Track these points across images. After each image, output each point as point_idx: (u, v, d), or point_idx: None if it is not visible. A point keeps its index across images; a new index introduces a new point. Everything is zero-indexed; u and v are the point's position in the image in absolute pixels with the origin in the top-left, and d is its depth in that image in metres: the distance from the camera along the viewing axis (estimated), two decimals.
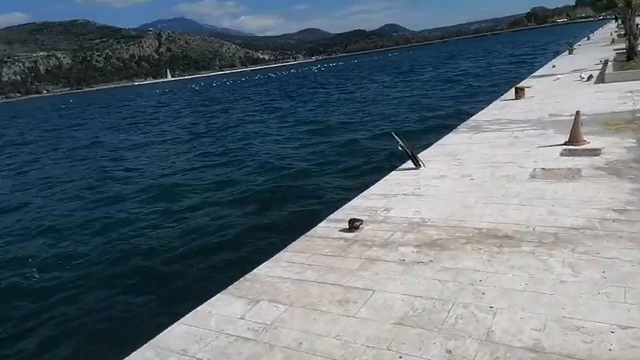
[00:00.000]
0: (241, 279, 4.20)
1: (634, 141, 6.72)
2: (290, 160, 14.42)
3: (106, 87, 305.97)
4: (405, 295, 3.52)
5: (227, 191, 11.59)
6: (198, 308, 3.80)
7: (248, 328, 3.37)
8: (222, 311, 3.67)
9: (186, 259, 7.35)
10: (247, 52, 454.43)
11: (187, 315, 3.72)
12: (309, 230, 5.19)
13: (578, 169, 5.90)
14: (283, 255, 4.61)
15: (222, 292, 4.01)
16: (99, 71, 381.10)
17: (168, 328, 3.57)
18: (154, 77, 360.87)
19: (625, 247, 3.73)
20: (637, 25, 16.25)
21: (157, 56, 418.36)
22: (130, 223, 9.95)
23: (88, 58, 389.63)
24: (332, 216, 5.50)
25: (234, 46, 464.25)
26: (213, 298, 3.93)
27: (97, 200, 12.55)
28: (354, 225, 4.93)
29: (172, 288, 6.36)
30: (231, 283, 4.15)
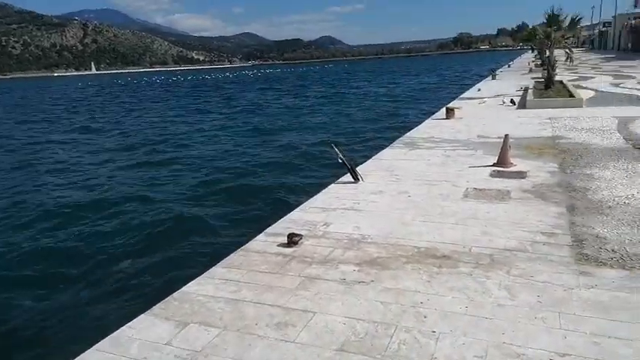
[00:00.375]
0: (168, 297, 3.83)
1: (556, 165, 7.16)
2: (225, 165, 13.93)
3: (22, 76, 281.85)
4: (346, 317, 3.38)
5: (155, 194, 10.87)
6: (118, 331, 3.39)
7: (175, 356, 3.04)
8: (146, 335, 3.30)
9: (104, 271, 6.63)
10: (180, 51, 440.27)
11: (104, 339, 3.30)
12: (244, 243, 4.92)
13: (508, 190, 6.15)
14: (216, 271, 4.30)
15: (146, 312, 3.63)
16: (14, 58, 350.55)
17: (81, 355, 3.14)
18: (77, 69, 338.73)
19: (556, 270, 3.87)
20: (554, 56, 17.65)
21: (81, 47, 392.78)
22: (46, 222, 9.05)
23: (4, 44, 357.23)
24: (269, 229, 5.26)
25: (166, 44, 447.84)
26: (135, 319, 3.53)
27: (12, 195, 11.37)
28: (292, 240, 4.73)
29: (88, 304, 5.70)
30: (157, 302, 3.76)
